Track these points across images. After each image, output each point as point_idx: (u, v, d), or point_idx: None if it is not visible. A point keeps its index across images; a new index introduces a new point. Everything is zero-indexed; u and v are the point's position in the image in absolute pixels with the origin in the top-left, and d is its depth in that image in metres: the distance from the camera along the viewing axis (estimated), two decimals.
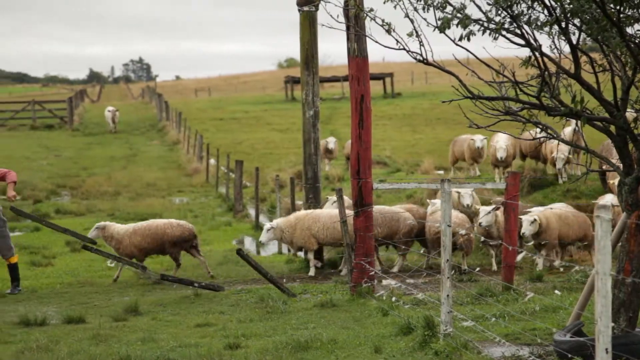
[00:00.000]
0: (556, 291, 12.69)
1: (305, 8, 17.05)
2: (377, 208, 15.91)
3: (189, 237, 16.20)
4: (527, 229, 15.12)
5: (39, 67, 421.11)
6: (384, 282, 14.00)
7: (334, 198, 16.41)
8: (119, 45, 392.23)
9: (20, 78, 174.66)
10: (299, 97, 22.22)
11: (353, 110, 13.25)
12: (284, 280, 15.32)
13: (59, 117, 60.93)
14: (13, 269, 14.99)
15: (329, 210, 16.39)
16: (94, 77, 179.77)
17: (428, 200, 17.79)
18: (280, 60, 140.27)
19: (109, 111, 54.75)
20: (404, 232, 16.08)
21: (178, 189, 31.82)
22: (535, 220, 15.16)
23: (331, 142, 31.10)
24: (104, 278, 16.34)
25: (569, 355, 8.28)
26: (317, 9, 16.99)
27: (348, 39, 13.12)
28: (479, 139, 24.93)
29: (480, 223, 15.58)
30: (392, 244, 15.92)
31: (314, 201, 17.18)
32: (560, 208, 15.96)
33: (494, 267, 15.57)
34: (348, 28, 12.70)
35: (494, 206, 15.83)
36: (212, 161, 33.24)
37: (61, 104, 64.26)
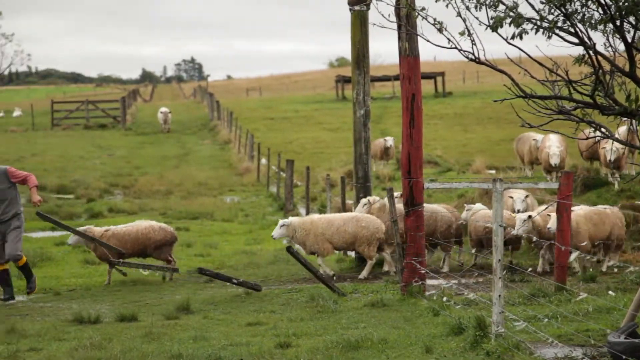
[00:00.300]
0: (610, 292, 12.55)
1: (357, 7, 17.03)
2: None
3: (172, 240, 16.10)
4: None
5: (92, 67, 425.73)
6: (435, 281, 13.94)
7: (366, 200, 16.41)
8: (172, 46, 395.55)
9: (75, 78, 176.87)
10: (350, 96, 22.22)
11: (404, 110, 13.20)
12: (335, 278, 15.33)
13: (112, 117, 61.57)
14: (25, 269, 14.54)
15: (342, 214, 16.37)
16: (147, 77, 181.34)
17: (465, 205, 17.54)
18: (331, 60, 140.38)
19: (161, 112, 54.90)
20: (441, 230, 16.01)
21: (229, 188, 31.98)
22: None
23: (389, 141, 30.83)
24: (156, 277, 16.47)
25: (623, 357, 8.19)
26: (368, 8, 16.97)
27: (399, 38, 13.08)
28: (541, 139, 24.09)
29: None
30: (442, 243, 15.84)
31: None
32: (581, 208, 15.69)
33: (540, 268, 15.35)
34: (399, 27, 12.67)
35: (529, 214, 15.61)
36: (263, 160, 33.36)
37: (114, 104, 64.95)
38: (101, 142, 49.02)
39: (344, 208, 18.98)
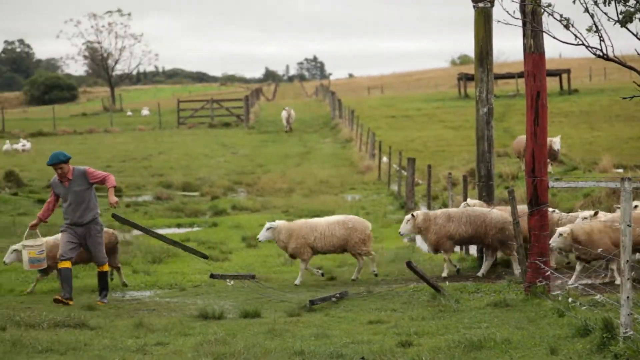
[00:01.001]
0: None
1: (481, 4, 16.85)
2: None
3: (115, 243, 15.67)
4: (554, 241, 14.23)
5: (217, 66, 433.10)
6: (558, 281, 13.66)
7: (409, 216, 16.02)
8: (294, 45, 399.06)
9: (200, 77, 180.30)
10: (472, 94, 22.00)
11: (528, 108, 12.99)
12: (457, 278, 15.21)
13: (235, 116, 62.54)
14: (102, 277, 14.18)
15: (328, 219, 16.10)
16: (270, 76, 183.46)
17: (615, 207, 16.78)
18: (453, 57, 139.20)
19: (285, 110, 55.19)
20: (492, 233, 15.58)
21: (350, 186, 32.06)
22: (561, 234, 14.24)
23: (556, 142, 28.95)
24: (279, 274, 16.64)
25: None
26: (492, 5, 16.78)
27: (524, 35, 12.87)
28: None
29: None
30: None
31: (488, 199, 16.94)
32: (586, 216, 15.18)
33: None
34: (524, 24, 12.46)
35: None
36: (384, 159, 33.32)
37: (238, 103, 65.99)
38: (225, 141, 49.85)
39: None
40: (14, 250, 15.05)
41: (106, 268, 14.15)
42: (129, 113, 78.56)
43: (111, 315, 13.04)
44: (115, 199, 13.89)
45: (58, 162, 13.81)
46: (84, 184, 13.84)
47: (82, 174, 13.90)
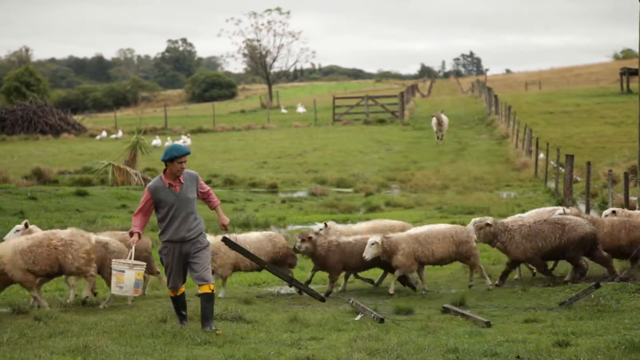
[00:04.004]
0: None
1: None
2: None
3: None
4: None
5: (372, 63, 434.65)
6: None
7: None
8: (451, 41, 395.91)
9: (356, 74, 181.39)
10: (636, 89, 21.32)
11: None
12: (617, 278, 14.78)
13: (390, 112, 62.63)
14: (209, 300, 11.48)
15: (258, 234, 15.25)
16: (425, 72, 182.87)
17: None
18: (616, 52, 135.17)
19: (434, 116, 46.41)
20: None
21: (506, 183, 31.60)
22: None
23: None
24: (431, 270, 16.57)
25: None
26: None
27: None
28: None
29: None
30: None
31: None
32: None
33: None
34: None
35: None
36: (541, 155, 32.70)
37: (392, 99, 66.12)
38: (379, 137, 49.96)
39: (626, 205, 18.23)
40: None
41: (212, 287, 11.47)
42: (283, 110, 79.77)
43: (267, 309, 13.28)
44: (227, 219, 11.87)
45: (185, 154, 11.37)
46: (194, 191, 11.52)
47: (195, 178, 11.60)
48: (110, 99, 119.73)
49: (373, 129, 56.40)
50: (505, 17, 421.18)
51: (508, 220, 15.23)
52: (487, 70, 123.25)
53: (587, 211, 22.20)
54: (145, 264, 11.99)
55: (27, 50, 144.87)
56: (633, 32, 16.81)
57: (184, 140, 48.79)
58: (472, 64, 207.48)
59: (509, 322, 11.70)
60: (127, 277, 11.52)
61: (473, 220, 14.90)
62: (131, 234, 11.49)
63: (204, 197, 11.74)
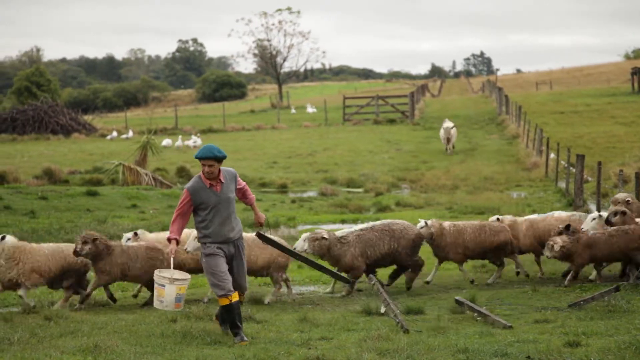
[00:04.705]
0: None
1: None
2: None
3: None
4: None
5: (383, 63, 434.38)
6: None
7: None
8: (461, 40, 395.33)
9: (366, 74, 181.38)
10: None
11: None
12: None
13: (400, 112, 62.61)
14: (238, 309, 10.96)
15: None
16: (435, 72, 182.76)
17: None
18: (627, 51, 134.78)
19: (443, 129, 43.18)
20: None
21: (516, 183, 31.53)
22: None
23: None
24: (442, 271, 16.54)
25: None
26: None
27: None
28: None
29: None
30: None
31: None
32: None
33: None
34: None
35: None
36: (552, 155, 32.62)
37: (403, 99, 66.14)
38: (389, 137, 49.94)
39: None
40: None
41: (235, 298, 10.88)
42: (293, 110, 79.74)
43: (277, 309, 13.28)
44: (264, 215, 11.57)
45: (210, 157, 10.85)
46: (234, 190, 11.05)
47: (234, 176, 11.11)
48: (120, 99, 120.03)
49: (383, 128, 56.36)
50: (516, 16, 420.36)
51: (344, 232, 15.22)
52: (497, 70, 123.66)
53: (598, 211, 22.18)
54: (188, 277, 11.20)
55: (38, 50, 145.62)
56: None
57: (194, 141, 48.87)
58: (482, 63, 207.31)
59: (519, 322, 11.68)
60: (167, 292, 10.91)
61: (304, 235, 14.86)
62: (169, 240, 10.87)
63: (240, 194, 11.25)
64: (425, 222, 15.31)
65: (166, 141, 49.03)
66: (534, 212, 24.05)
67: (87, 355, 10.08)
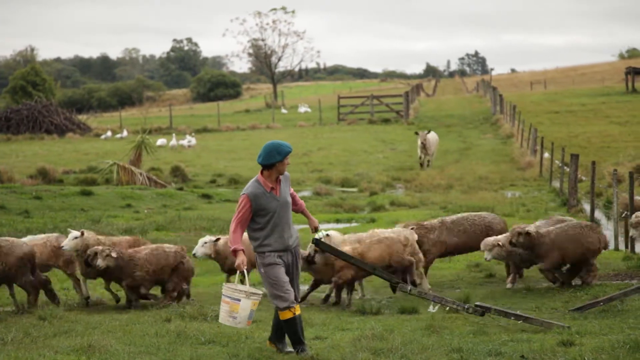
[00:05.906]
0: None
1: None
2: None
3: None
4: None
5: (378, 62, 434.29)
6: None
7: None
8: (456, 40, 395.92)
9: (361, 74, 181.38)
10: None
11: None
12: (620, 277, 14.78)
13: (395, 111, 62.65)
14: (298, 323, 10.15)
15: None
16: (430, 72, 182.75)
17: None
18: (621, 51, 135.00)
19: (419, 134, 36.92)
20: None
21: (510, 182, 31.56)
22: None
23: None
24: (435, 270, 16.56)
25: None
26: None
27: None
28: None
29: None
30: None
31: None
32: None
33: None
34: None
35: None
36: (546, 155, 32.66)
37: (397, 99, 66.18)
38: (384, 137, 49.98)
39: (631, 204, 18.18)
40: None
41: (298, 310, 10.00)
42: (284, 110, 79.49)
43: (271, 308, 13.26)
44: (317, 220, 10.76)
45: (288, 153, 9.96)
46: (289, 193, 10.18)
47: (287, 178, 10.22)
48: (115, 98, 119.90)
49: (378, 128, 56.38)
50: (511, 16, 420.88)
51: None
52: (492, 69, 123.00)
53: (592, 211, 22.21)
54: (261, 292, 10.12)
55: (32, 49, 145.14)
56: (638, 32, 16.71)
57: (189, 140, 48.84)
58: (477, 63, 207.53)
59: (512, 321, 11.67)
60: (242, 307, 9.83)
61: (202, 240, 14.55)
62: (235, 253, 9.77)
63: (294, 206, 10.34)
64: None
65: (161, 141, 48.99)
66: (528, 211, 24.12)
67: (81, 355, 10.07)
